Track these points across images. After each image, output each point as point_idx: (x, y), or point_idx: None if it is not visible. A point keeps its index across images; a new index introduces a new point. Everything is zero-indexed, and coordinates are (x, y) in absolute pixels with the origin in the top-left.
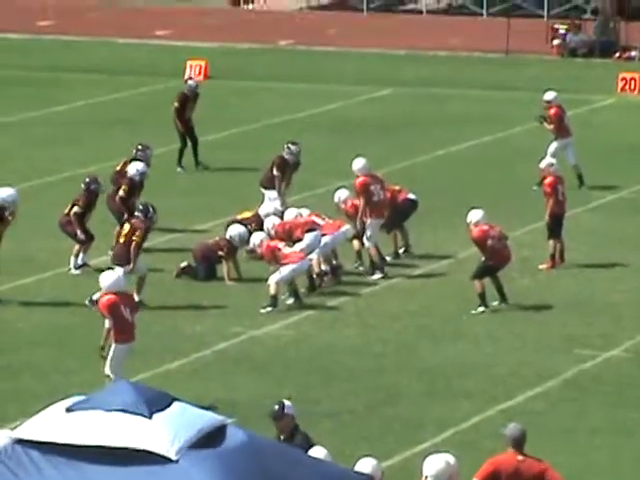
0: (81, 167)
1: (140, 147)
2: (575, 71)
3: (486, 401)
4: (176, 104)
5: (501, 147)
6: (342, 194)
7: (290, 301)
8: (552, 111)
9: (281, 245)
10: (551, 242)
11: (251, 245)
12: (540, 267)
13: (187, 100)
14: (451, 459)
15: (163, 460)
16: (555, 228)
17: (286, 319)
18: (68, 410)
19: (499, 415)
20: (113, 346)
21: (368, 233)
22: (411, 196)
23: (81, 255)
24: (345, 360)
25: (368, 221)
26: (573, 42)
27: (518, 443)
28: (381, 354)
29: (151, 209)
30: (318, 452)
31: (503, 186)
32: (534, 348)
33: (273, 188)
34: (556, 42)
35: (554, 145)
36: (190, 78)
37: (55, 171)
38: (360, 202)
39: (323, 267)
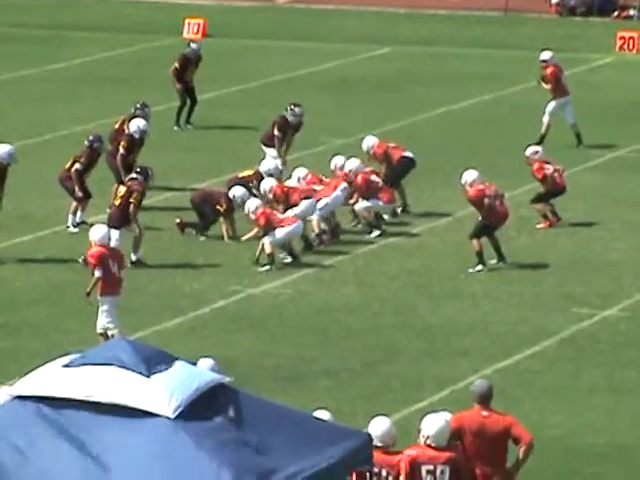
0: (78, 125)
1: (139, 105)
2: (574, 30)
3: (484, 360)
4: (176, 65)
5: (500, 106)
6: (338, 161)
7: (288, 260)
8: (549, 70)
9: (275, 211)
10: (539, 206)
11: (245, 211)
12: (538, 227)
13: (188, 63)
14: (449, 417)
15: (160, 417)
16: (546, 198)
17: (284, 277)
18: (65, 366)
19: (496, 374)
20: (100, 300)
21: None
22: (408, 154)
23: (79, 213)
24: (343, 319)
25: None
26: (572, 1)
27: (484, 399)
28: (379, 313)
29: (150, 172)
30: (322, 415)
31: (502, 145)
32: (532, 307)
33: (273, 146)
34: (555, 1)
35: (552, 104)
36: (192, 41)
37: (52, 129)
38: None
39: (323, 226)
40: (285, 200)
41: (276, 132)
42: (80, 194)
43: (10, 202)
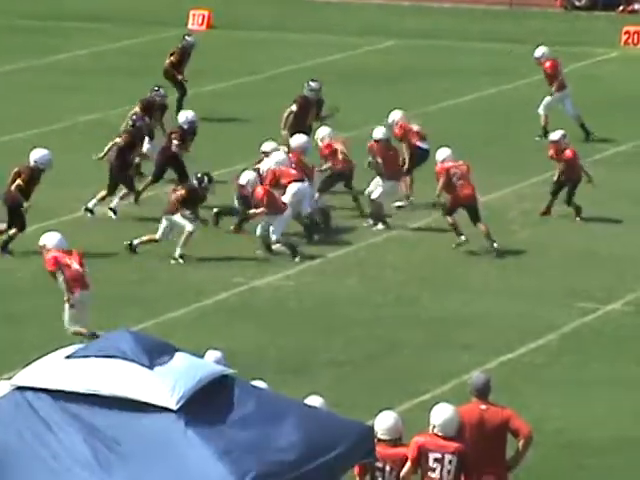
0: (83, 115)
1: (156, 88)
2: (578, 24)
3: (487, 353)
4: (172, 59)
5: (504, 99)
6: (322, 132)
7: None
8: (547, 64)
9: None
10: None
11: (244, 181)
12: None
13: (185, 55)
14: (454, 409)
15: (162, 409)
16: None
17: (287, 270)
18: (68, 357)
19: (500, 367)
20: (71, 298)
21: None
22: (423, 144)
23: (115, 199)
24: (346, 311)
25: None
26: None
27: (481, 392)
28: (382, 305)
29: (206, 179)
30: (314, 401)
31: (506, 138)
32: (535, 301)
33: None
34: None
35: (549, 98)
36: (188, 34)
37: (57, 119)
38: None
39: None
40: (276, 183)
41: (293, 107)
42: (120, 177)
43: None
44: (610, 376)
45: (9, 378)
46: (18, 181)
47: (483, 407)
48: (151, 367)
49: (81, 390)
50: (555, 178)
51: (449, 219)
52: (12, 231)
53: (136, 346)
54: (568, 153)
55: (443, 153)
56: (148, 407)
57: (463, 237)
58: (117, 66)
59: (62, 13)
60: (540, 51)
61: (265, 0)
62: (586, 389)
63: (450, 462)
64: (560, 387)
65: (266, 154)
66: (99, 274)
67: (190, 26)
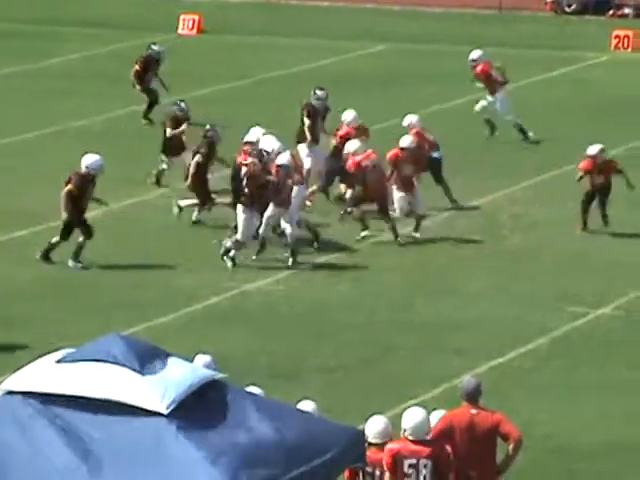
0: (75, 120)
1: (178, 101)
2: (569, 28)
3: (478, 357)
4: (137, 67)
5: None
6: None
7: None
8: (479, 69)
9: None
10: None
11: (286, 160)
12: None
13: (149, 65)
14: (441, 415)
15: (153, 414)
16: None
17: (278, 274)
18: (58, 361)
19: (490, 372)
20: None
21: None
22: (436, 154)
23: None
24: (337, 315)
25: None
26: None
27: (471, 396)
28: (374, 309)
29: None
30: (306, 406)
31: (497, 142)
32: (526, 305)
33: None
34: None
35: (484, 102)
36: (154, 44)
37: (50, 123)
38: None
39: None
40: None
41: (306, 120)
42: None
43: (7, 197)
44: (600, 380)
45: None
46: (69, 187)
47: (473, 411)
48: (142, 372)
49: (71, 394)
50: (586, 190)
51: (356, 211)
52: (80, 238)
53: (127, 350)
54: (607, 166)
55: (354, 144)
56: (139, 411)
57: (367, 232)
58: (108, 70)
59: (56, 18)
60: (476, 54)
61: (255, 5)
62: (576, 393)
63: (425, 467)
64: (549, 391)
65: (251, 144)
66: (89, 279)
67: (180, 31)
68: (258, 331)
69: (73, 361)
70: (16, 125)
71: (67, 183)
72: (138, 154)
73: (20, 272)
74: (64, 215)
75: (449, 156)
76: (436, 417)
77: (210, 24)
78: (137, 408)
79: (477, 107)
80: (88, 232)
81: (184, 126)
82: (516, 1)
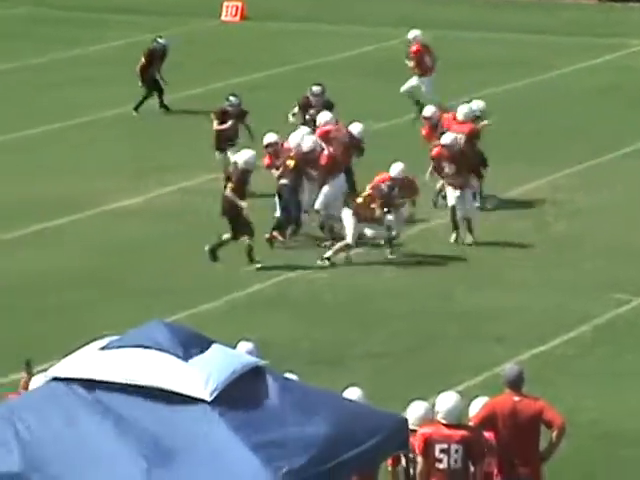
0: (118, 107)
1: (231, 96)
2: (613, 15)
3: (520, 345)
4: (142, 60)
5: (537, 91)
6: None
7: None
8: (413, 48)
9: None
10: None
11: (311, 143)
12: None
13: (154, 57)
14: (484, 402)
15: (196, 401)
16: None
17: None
18: (102, 349)
19: (533, 359)
20: None
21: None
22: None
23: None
24: (381, 303)
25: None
26: None
27: (514, 384)
28: (417, 298)
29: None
30: (353, 393)
31: (539, 129)
32: (569, 292)
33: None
34: None
35: (412, 82)
36: (160, 37)
37: (92, 111)
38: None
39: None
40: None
41: (295, 109)
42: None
43: (44, 185)
44: None
45: (44, 370)
46: (230, 185)
47: (516, 398)
48: (185, 358)
49: (115, 380)
50: None
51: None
52: (226, 236)
53: (171, 337)
54: None
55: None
56: (182, 398)
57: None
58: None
59: (95, 5)
60: (413, 33)
61: None
62: (620, 380)
63: (457, 451)
64: (594, 378)
65: (270, 145)
66: (130, 266)
67: (224, 17)
68: (301, 318)
69: (117, 348)
70: (57, 112)
71: (228, 179)
72: (177, 139)
73: (59, 260)
74: (245, 212)
75: (490, 143)
76: (478, 404)
77: (253, 11)
78: (180, 395)
79: (404, 88)
80: (251, 230)
81: (230, 123)
82: None
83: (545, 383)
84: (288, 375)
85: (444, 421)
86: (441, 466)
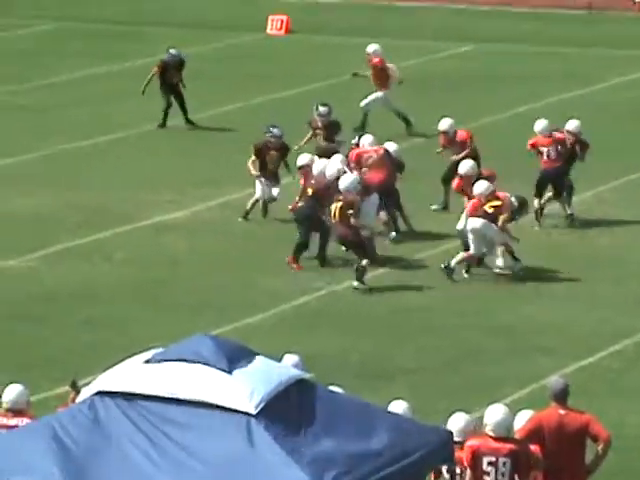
0: (156, 121)
1: (271, 127)
2: None
3: (565, 359)
4: (155, 69)
5: (582, 104)
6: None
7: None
8: (375, 60)
9: None
10: None
11: (335, 171)
12: None
13: (166, 68)
14: (529, 415)
15: (241, 413)
16: None
17: (366, 275)
18: (147, 362)
19: (578, 372)
20: None
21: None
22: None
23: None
24: (424, 316)
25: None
26: None
27: (560, 397)
28: (461, 311)
29: None
30: (398, 406)
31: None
32: (613, 307)
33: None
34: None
35: (375, 96)
36: (173, 48)
37: (129, 125)
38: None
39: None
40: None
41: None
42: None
43: (90, 198)
44: None
45: (88, 383)
46: (341, 211)
47: (562, 412)
48: (230, 371)
49: (160, 394)
50: None
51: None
52: (364, 262)
53: (216, 350)
54: None
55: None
56: (228, 411)
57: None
58: (196, 72)
59: (140, 18)
60: (372, 48)
61: (343, 5)
62: None
63: (504, 464)
64: (638, 393)
65: (302, 168)
66: (175, 279)
67: (269, 31)
68: (346, 331)
69: (161, 361)
70: (97, 126)
71: (342, 210)
72: (218, 154)
73: (105, 272)
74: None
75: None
76: (523, 417)
77: (298, 24)
78: (226, 408)
79: (364, 102)
80: (373, 254)
81: (270, 155)
82: (605, 1)
83: (590, 396)
84: (333, 388)
85: (492, 434)
86: (488, 479)
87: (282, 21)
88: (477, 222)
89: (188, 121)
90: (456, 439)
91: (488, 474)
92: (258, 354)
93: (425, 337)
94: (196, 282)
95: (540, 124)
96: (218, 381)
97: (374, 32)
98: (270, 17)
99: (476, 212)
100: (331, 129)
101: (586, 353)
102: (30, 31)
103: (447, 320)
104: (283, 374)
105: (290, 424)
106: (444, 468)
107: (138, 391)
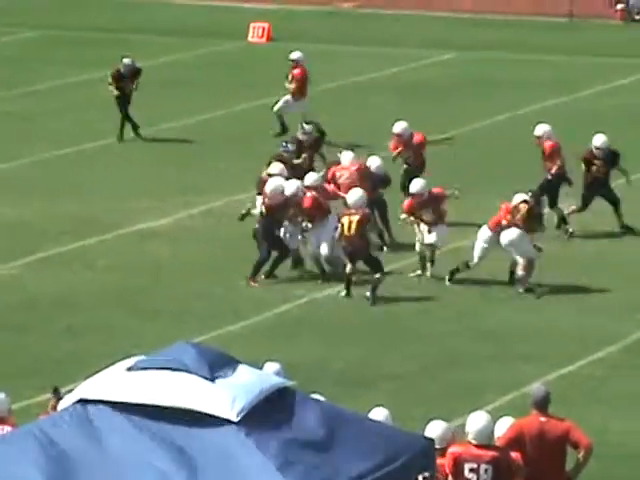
0: (143, 128)
1: (284, 143)
2: (638, 35)
3: (547, 365)
4: (109, 80)
5: (563, 111)
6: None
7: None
8: (296, 71)
9: None
10: None
11: (294, 189)
12: None
13: (120, 77)
14: (510, 422)
15: (223, 421)
16: None
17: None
18: (129, 369)
19: (559, 380)
20: None
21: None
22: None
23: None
24: (406, 324)
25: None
26: (637, 7)
27: (541, 404)
28: (442, 318)
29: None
30: (379, 413)
31: (569, 150)
32: (596, 313)
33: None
34: (620, 6)
35: (286, 101)
36: (126, 57)
37: (114, 132)
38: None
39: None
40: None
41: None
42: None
43: (74, 205)
44: None
45: (70, 390)
46: (358, 224)
47: (543, 419)
48: (212, 379)
49: (142, 402)
50: None
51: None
52: (378, 275)
53: (198, 358)
54: None
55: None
56: (209, 419)
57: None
58: (176, 79)
59: (124, 26)
60: (297, 54)
61: (324, 13)
62: None
63: (486, 471)
64: (620, 400)
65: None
66: (157, 287)
67: (250, 38)
68: (327, 339)
69: (144, 369)
70: (83, 134)
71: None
72: (200, 161)
73: (88, 280)
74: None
75: (520, 165)
76: (504, 424)
77: (279, 32)
78: (208, 415)
79: (277, 106)
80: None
81: (304, 156)
82: (586, 8)
83: (572, 404)
84: (314, 396)
85: (474, 441)
86: None
87: (264, 28)
88: (513, 233)
89: (136, 133)
90: (436, 446)
91: None
92: (240, 362)
93: (405, 344)
94: (178, 289)
95: (599, 139)
96: (200, 389)
97: (356, 40)
98: (252, 24)
99: (502, 224)
100: (316, 148)
101: (568, 361)
102: (15, 38)
103: (428, 326)
104: (265, 382)
105: (271, 432)
106: (420, 477)
107: (120, 399)
